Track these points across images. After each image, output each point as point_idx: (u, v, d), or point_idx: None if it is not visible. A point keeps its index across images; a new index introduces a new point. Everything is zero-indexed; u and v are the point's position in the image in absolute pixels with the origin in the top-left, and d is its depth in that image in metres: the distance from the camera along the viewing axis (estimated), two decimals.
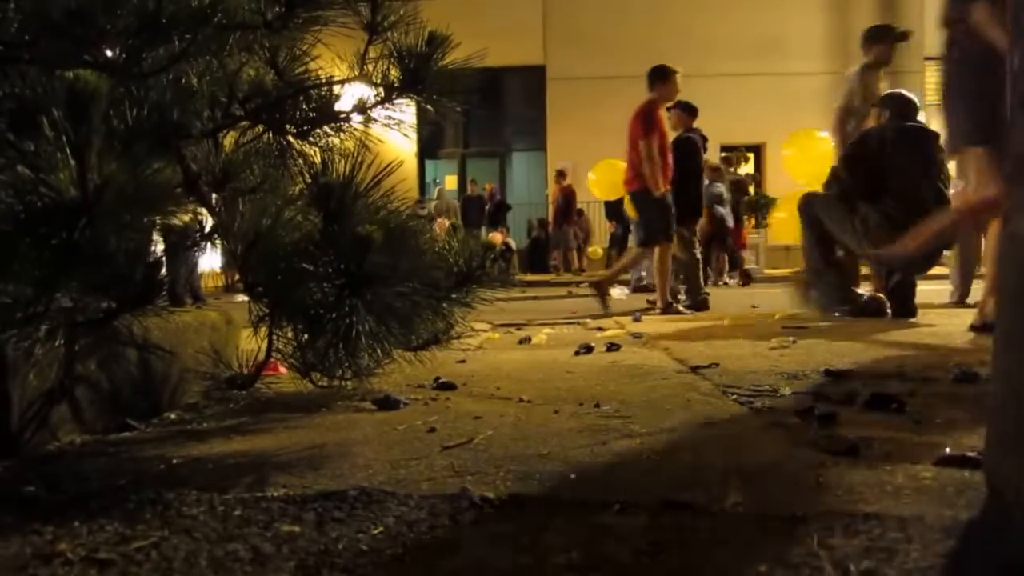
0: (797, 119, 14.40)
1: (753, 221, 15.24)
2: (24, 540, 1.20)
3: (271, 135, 2.40)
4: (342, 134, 2.43)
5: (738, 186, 13.99)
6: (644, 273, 10.84)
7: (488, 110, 19.63)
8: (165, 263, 1.96)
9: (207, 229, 2.30)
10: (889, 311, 5.06)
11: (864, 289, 5.48)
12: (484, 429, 1.96)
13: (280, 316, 2.18)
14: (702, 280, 7.56)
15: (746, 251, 14.19)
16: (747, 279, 13.15)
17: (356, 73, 2.34)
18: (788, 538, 1.14)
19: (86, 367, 1.89)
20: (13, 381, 1.71)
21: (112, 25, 1.78)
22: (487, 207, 18.55)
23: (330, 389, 2.48)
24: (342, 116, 2.40)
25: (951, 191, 4.83)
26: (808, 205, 5.53)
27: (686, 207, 7.16)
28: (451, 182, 20.10)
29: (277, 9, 2.05)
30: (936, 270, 5.76)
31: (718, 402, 2.29)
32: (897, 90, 5.65)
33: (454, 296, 2.45)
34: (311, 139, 2.41)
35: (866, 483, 1.41)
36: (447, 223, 14.16)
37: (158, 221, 2.05)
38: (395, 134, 2.40)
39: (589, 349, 3.70)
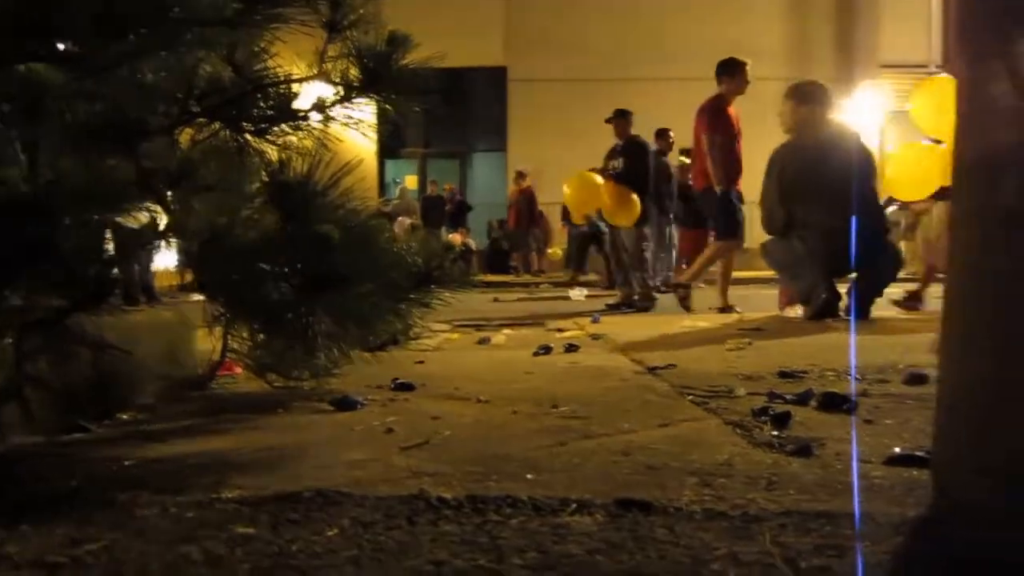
0: (759, 123, 14.56)
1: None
2: None
3: (228, 133, 2.37)
4: (301, 132, 2.40)
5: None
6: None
7: (449, 110, 19.56)
8: (119, 261, 1.93)
9: (162, 227, 2.27)
10: (843, 312, 5.14)
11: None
12: (442, 430, 1.95)
13: (236, 316, 2.16)
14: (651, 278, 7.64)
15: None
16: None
17: (315, 71, 2.33)
18: (742, 536, 1.16)
19: (37, 367, 1.86)
20: None
21: (64, 18, 1.75)
22: (448, 207, 18.51)
23: (287, 390, 2.45)
24: (301, 114, 2.38)
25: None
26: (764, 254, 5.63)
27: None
28: (411, 182, 19.99)
29: (236, 5, 2.03)
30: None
31: (675, 403, 2.32)
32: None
33: (413, 296, 2.44)
34: (269, 137, 2.39)
35: (818, 482, 1.44)
36: (408, 222, 14.10)
37: (112, 219, 2.01)
38: (355, 133, 2.39)
39: (548, 350, 3.70)
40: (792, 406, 2.16)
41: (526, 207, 17.53)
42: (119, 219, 2.10)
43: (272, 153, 2.36)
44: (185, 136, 2.33)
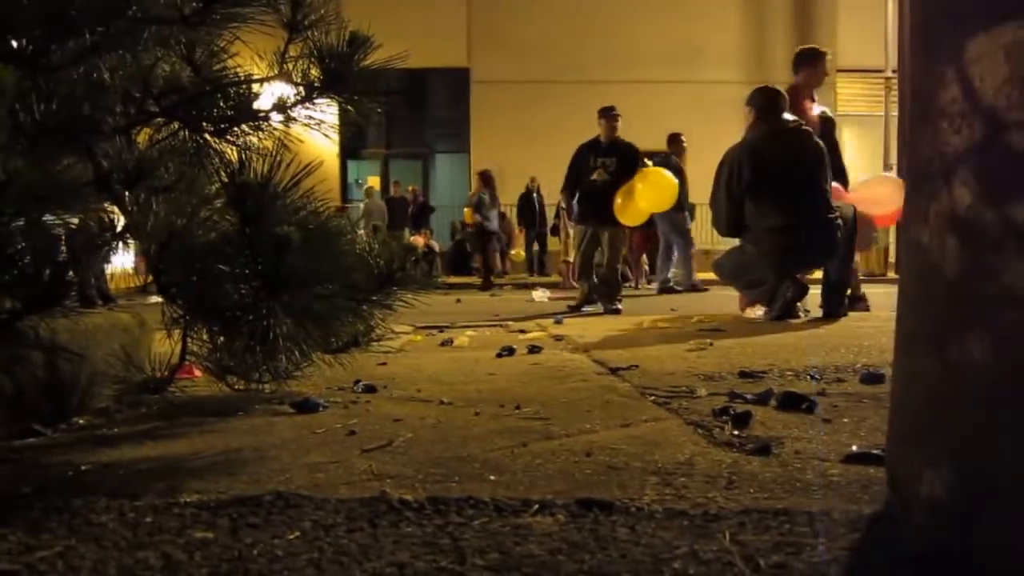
0: (715, 126, 14.66)
1: None
2: None
3: (187, 133, 2.34)
4: (261, 133, 2.38)
5: None
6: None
7: (411, 111, 19.54)
8: (74, 263, 1.90)
9: (119, 228, 2.23)
10: (802, 314, 5.21)
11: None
12: (404, 431, 1.95)
13: (195, 318, 2.14)
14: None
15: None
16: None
17: (276, 71, 2.31)
18: (702, 535, 1.17)
19: None
20: None
21: (17, 15, 1.72)
22: (411, 209, 18.45)
23: (247, 392, 2.43)
24: (261, 115, 2.36)
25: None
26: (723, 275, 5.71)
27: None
28: (374, 183, 19.89)
29: (194, 4, 2.01)
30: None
31: (636, 403, 2.33)
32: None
33: (375, 298, 2.43)
34: (229, 137, 2.36)
35: (777, 480, 1.46)
36: (372, 224, 14.03)
37: (67, 219, 1.98)
38: (316, 134, 2.37)
39: (511, 351, 3.71)
40: (752, 406, 2.19)
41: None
42: (75, 219, 2.06)
43: (232, 154, 2.33)
44: (143, 136, 2.30)
